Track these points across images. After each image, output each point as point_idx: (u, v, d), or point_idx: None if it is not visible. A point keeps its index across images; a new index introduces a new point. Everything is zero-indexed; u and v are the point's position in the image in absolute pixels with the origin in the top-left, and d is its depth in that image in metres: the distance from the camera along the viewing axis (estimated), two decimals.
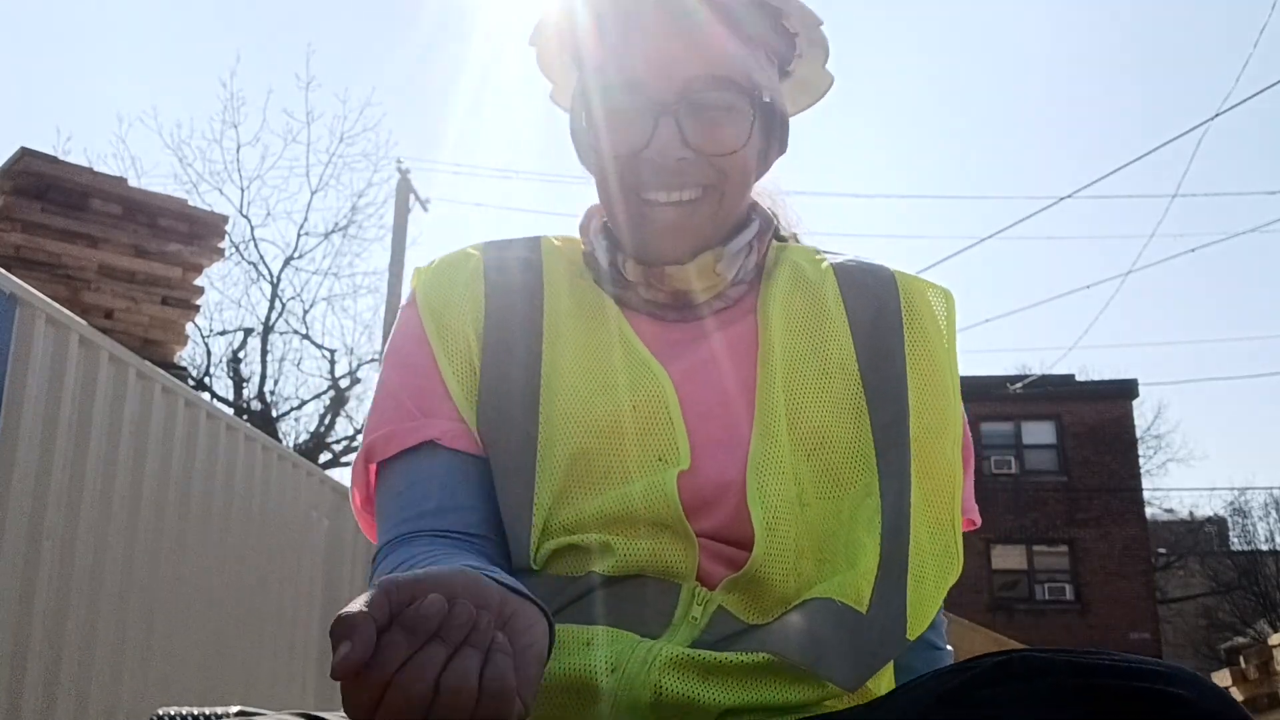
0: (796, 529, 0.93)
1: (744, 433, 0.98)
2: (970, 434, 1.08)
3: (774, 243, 1.14)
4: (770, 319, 1.04)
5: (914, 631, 0.92)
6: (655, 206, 1.00)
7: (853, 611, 0.90)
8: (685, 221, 1.01)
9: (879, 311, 1.06)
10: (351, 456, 14.86)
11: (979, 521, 1.10)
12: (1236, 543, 27.62)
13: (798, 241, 1.19)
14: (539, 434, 0.98)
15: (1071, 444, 20.43)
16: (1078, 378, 21.18)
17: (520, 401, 1.00)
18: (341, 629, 0.60)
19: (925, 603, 0.94)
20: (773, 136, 1.08)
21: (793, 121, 1.12)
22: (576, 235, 1.14)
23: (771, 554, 0.92)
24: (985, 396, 19.86)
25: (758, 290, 1.09)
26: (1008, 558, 20.05)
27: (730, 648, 0.89)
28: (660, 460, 0.95)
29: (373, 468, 1.05)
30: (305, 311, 15.06)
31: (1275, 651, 5.48)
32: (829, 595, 0.90)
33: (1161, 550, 25.21)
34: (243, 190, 14.62)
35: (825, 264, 1.10)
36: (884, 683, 0.97)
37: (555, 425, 0.98)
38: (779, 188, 1.20)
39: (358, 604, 0.62)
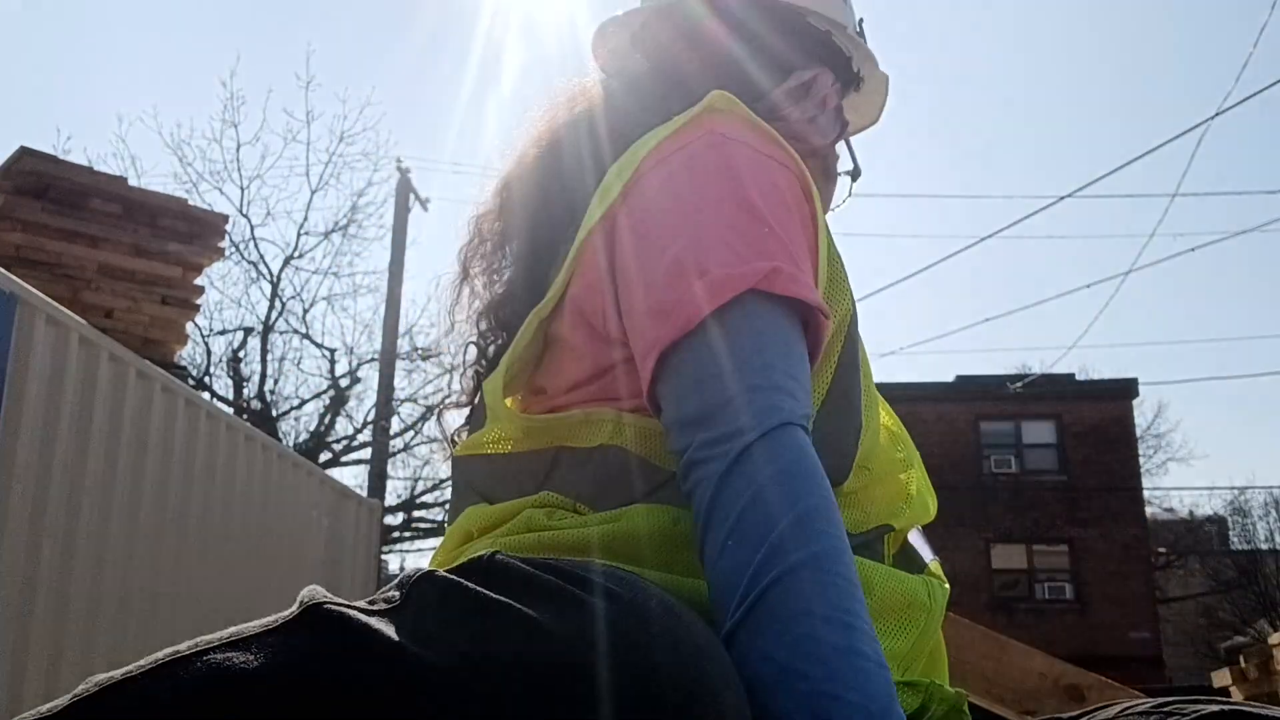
0: None
1: None
2: None
3: None
4: None
5: None
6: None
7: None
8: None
9: None
10: (351, 456, 14.85)
11: None
12: (1236, 542, 27.63)
13: None
14: (861, 360, 0.98)
15: (1071, 443, 20.42)
16: (1078, 377, 21.18)
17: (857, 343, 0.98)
18: None
19: None
20: None
21: None
22: None
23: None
24: (985, 396, 19.86)
25: None
26: (1008, 557, 20.05)
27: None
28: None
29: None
30: (305, 311, 15.05)
31: (1275, 651, 5.48)
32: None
33: (1161, 550, 25.20)
34: (243, 190, 14.58)
35: None
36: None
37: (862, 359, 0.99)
38: None
39: None
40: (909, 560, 0.98)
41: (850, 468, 0.89)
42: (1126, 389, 20.81)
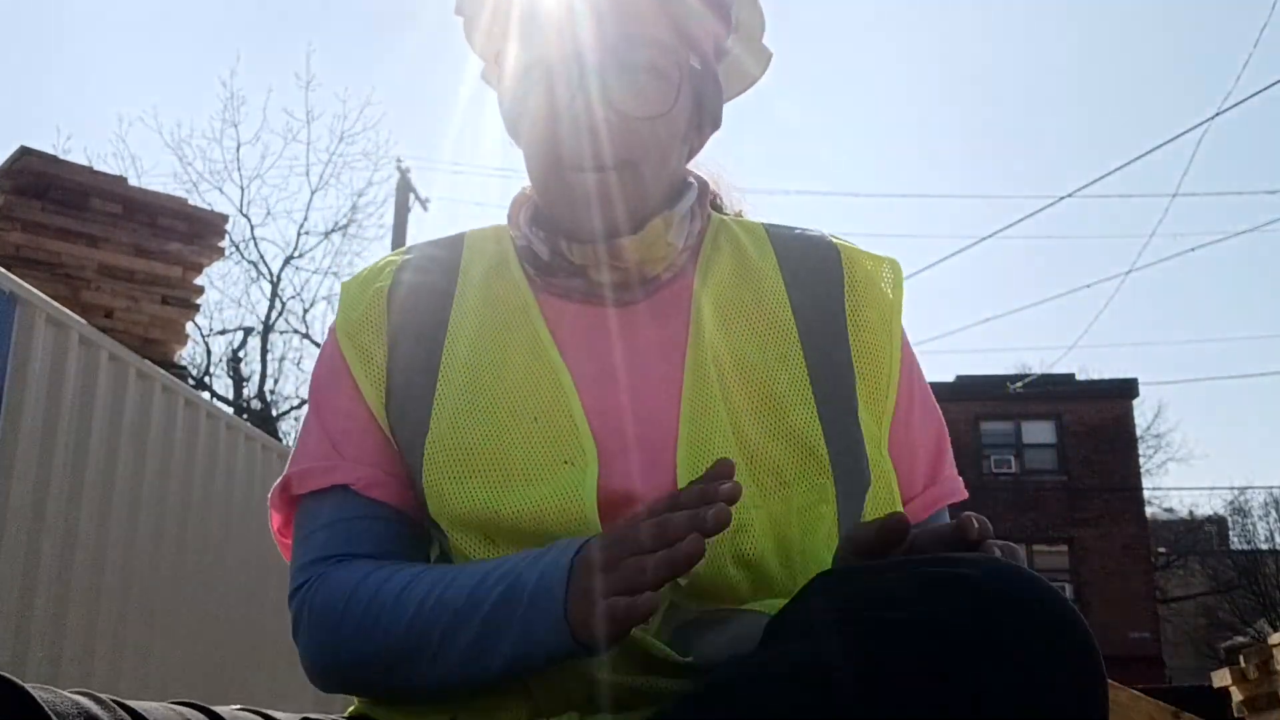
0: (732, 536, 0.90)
1: (667, 437, 0.94)
2: (933, 400, 1.06)
3: (712, 214, 1.10)
4: (704, 308, 1.00)
5: None
6: (575, 175, 0.95)
7: None
8: (606, 193, 0.96)
9: (822, 292, 1.02)
10: None
11: (965, 494, 1.07)
12: (1236, 542, 27.64)
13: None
14: (427, 437, 0.95)
15: (1071, 443, 20.42)
16: (1078, 377, 21.18)
17: (418, 402, 0.97)
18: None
19: None
20: (704, 107, 1.03)
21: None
22: (495, 227, 1.10)
23: (708, 565, 0.88)
24: (985, 396, 19.87)
25: (695, 265, 1.04)
26: None
27: (688, 636, 0.88)
28: (567, 464, 0.91)
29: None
30: (305, 311, 15.10)
31: (1275, 651, 5.48)
32: (765, 610, 0.87)
33: (1161, 550, 25.21)
34: (243, 189, 14.60)
35: (765, 239, 1.07)
36: None
37: (445, 428, 0.95)
38: (721, 168, 1.17)
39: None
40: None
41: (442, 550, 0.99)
42: (1126, 389, 20.81)
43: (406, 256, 1.07)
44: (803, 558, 0.92)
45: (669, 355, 0.98)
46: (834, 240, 1.07)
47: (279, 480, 1.03)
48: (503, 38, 1.02)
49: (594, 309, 1.01)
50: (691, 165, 1.09)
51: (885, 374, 1.01)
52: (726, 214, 1.16)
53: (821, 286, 1.02)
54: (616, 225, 0.97)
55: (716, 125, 1.06)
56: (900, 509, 0.98)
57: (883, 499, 0.97)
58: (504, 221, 1.09)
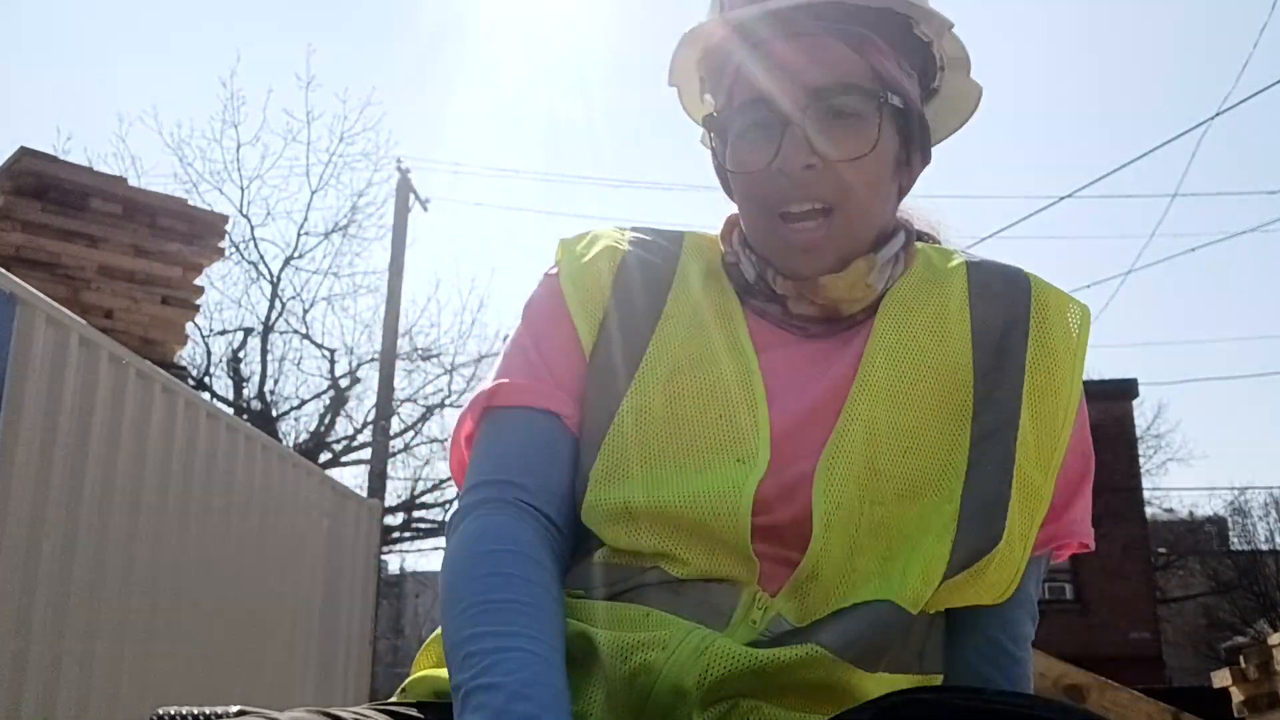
0: (858, 526, 0.95)
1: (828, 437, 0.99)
2: (1089, 443, 1.07)
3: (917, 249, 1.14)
4: (886, 318, 1.04)
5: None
6: (790, 222, 1.01)
7: (901, 611, 0.93)
8: (814, 241, 1.01)
9: (1007, 319, 1.04)
10: (351, 456, 14.87)
11: (1092, 545, 1.08)
12: (1236, 542, 27.61)
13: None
14: (617, 412, 1.00)
15: None
16: None
17: (619, 375, 1.03)
18: None
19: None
20: (911, 144, 1.07)
21: None
22: (710, 235, 1.16)
23: (828, 549, 0.94)
24: None
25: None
26: None
27: (819, 623, 0.93)
28: (739, 461, 0.97)
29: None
30: (305, 311, 15.02)
31: (1275, 651, 5.47)
32: (880, 597, 0.93)
33: (1161, 550, 25.20)
34: (243, 190, 14.54)
35: (959, 263, 1.10)
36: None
37: (637, 410, 1.00)
38: (942, 215, 1.22)
39: None
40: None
41: (579, 519, 1.00)
42: (1126, 389, 20.82)
43: (635, 234, 1.13)
44: (911, 551, 0.95)
45: (847, 361, 1.02)
46: (1027, 273, 1.10)
47: (483, 388, 1.05)
48: (714, 101, 1.10)
49: (786, 333, 1.06)
50: (913, 211, 1.16)
51: (1062, 413, 1.02)
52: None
53: (1006, 310, 1.05)
54: (824, 269, 1.02)
55: (926, 161, 1.10)
56: (1034, 531, 1.00)
57: (1013, 555, 0.98)
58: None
